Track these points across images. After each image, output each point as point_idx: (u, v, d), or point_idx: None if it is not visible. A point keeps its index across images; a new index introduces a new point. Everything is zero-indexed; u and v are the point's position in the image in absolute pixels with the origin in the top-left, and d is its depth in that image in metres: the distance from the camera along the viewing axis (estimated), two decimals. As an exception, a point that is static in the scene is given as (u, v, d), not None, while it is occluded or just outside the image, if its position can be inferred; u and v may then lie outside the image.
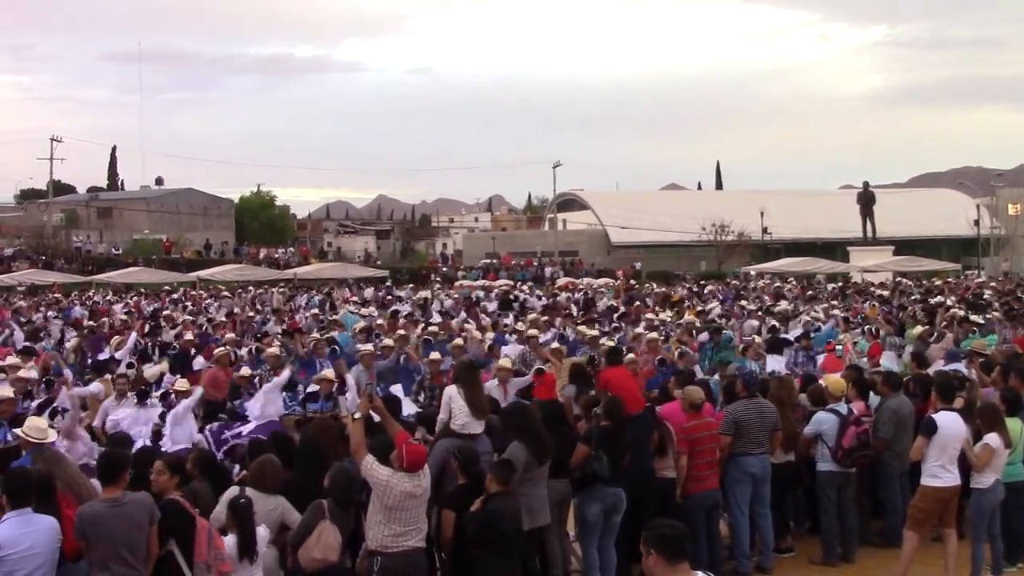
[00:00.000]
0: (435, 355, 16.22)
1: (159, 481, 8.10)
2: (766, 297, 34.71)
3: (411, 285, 52.84)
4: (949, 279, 46.26)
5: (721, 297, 36.68)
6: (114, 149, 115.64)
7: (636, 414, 10.81)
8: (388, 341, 18.26)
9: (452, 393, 10.36)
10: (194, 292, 44.44)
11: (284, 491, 8.56)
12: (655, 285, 47.06)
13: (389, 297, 41.52)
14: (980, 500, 10.47)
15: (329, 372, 15.02)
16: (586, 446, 10.01)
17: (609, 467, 9.87)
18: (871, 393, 12.16)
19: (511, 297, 37.89)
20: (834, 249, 68.30)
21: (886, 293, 34.57)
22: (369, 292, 44.57)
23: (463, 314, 28.42)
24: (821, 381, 12.50)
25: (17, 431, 9.94)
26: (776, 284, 42.77)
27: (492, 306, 34.45)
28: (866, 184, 61.82)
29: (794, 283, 42.85)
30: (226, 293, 41.58)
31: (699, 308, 28.63)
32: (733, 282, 45.52)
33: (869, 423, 11.50)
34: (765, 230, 73.92)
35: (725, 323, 23.62)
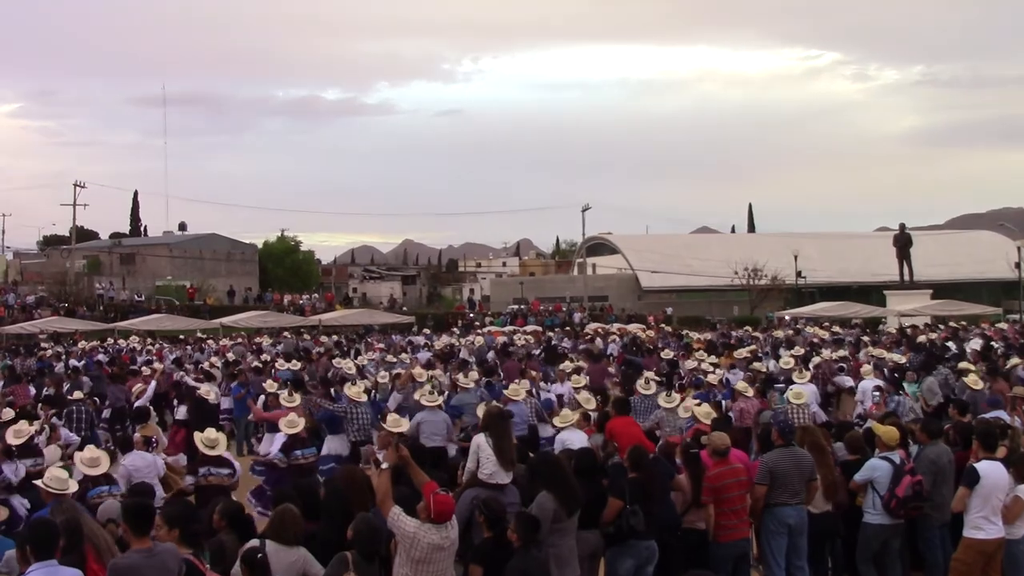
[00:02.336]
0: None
1: (159, 536, 7.92)
2: (815, 340, 34.65)
3: (425, 330, 52.84)
4: (996, 323, 45.90)
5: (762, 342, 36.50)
6: (136, 194, 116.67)
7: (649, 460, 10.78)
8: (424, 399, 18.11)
9: (480, 441, 10.33)
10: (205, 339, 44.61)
11: (308, 542, 8.54)
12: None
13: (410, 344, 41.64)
14: (1013, 552, 10.35)
15: (295, 418, 15.21)
16: (620, 500, 9.96)
17: (644, 520, 9.85)
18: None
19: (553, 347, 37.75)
20: (870, 293, 67.96)
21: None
22: (396, 338, 44.62)
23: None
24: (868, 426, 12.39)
25: (38, 482, 10.01)
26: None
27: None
28: (903, 226, 61.43)
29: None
30: (241, 340, 41.85)
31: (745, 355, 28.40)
32: (782, 330, 45.13)
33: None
34: (799, 274, 73.62)
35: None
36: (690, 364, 25.10)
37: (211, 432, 13.13)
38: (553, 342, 39.02)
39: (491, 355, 32.74)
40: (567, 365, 24.89)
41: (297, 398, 18.11)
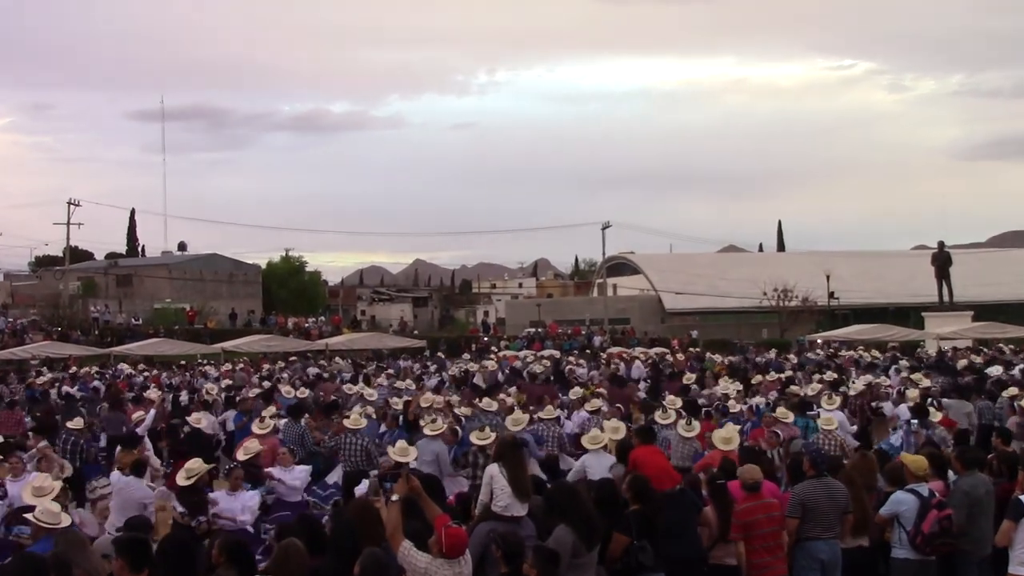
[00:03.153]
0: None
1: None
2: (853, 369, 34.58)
3: (437, 354, 53.09)
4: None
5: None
6: (133, 212, 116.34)
7: (672, 492, 10.75)
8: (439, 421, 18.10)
9: (494, 472, 10.28)
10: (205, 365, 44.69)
11: (314, 579, 8.54)
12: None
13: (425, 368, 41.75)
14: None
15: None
16: (625, 536, 9.94)
17: (654, 556, 9.82)
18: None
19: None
20: (907, 315, 67.67)
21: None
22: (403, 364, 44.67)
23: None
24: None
25: (29, 516, 10.03)
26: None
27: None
28: (942, 244, 61.21)
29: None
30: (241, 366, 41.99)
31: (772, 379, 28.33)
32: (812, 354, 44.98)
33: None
34: (832, 295, 73.45)
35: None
36: (716, 390, 25.05)
37: (193, 463, 13.21)
38: (563, 366, 39.01)
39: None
40: (576, 391, 24.98)
41: (270, 424, 18.37)
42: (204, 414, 22.31)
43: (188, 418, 21.30)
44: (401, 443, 14.66)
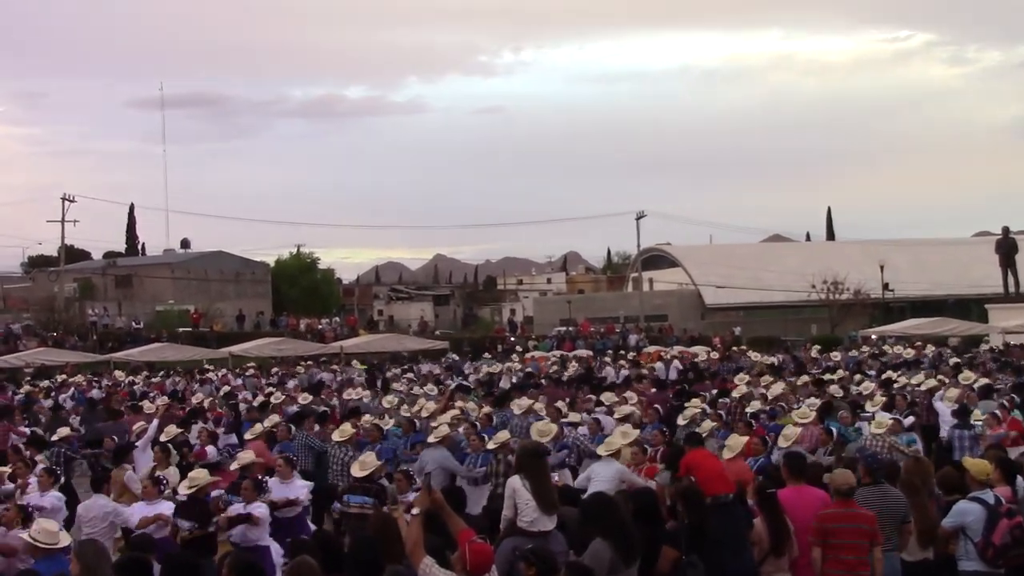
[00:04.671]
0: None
1: None
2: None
3: (449, 355, 53.24)
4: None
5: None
6: (132, 208, 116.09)
7: (724, 500, 10.70)
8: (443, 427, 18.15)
9: (516, 485, 10.24)
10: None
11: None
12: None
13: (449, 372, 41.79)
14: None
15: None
16: (675, 549, 9.89)
17: (704, 571, 9.77)
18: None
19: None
20: (969, 307, 67.29)
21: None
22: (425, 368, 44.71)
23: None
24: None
25: (23, 535, 10.07)
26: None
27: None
28: (1006, 230, 60.81)
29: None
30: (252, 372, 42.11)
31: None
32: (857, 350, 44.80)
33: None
34: (886, 286, 73.18)
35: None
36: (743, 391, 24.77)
37: (197, 473, 13.25)
38: (596, 368, 39.02)
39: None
40: (608, 396, 24.94)
41: (258, 429, 18.49)
42: (203, 424, 22.44)
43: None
44: (365, 456, 14.50)
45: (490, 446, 15.71)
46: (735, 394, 23.99)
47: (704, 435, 16.16)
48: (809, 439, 16.64)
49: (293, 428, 20.10)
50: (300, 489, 15.22)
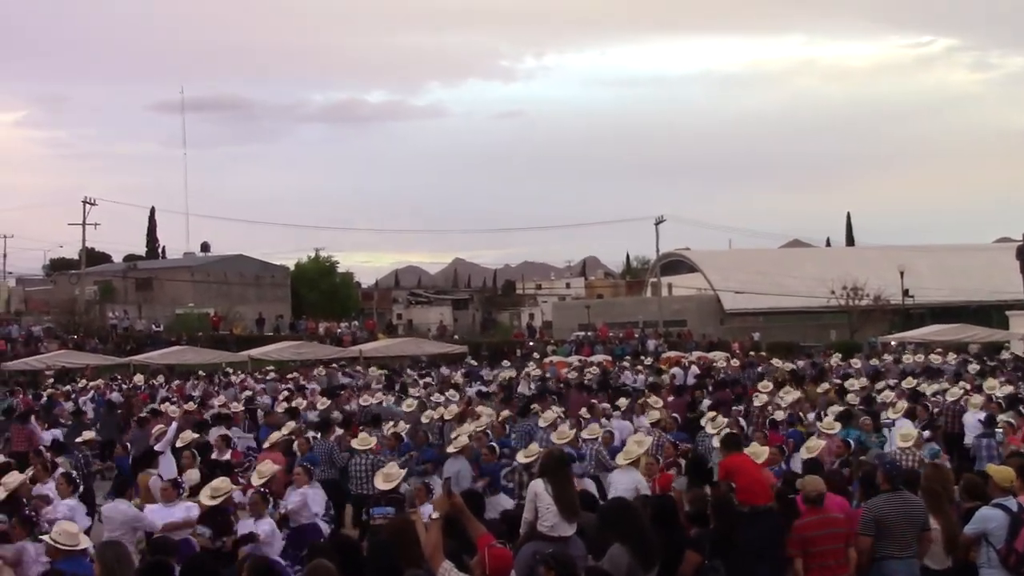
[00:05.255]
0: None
1: None
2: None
3: (467, 360, 53.33)
4: None
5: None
6: (152, 211, 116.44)
7: (762, 509, 10.68)
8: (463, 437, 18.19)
9: (538, 489, 10.24)
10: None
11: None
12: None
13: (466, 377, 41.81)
14: None
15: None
16: (698, 554, 9.88)
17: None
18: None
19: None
20: (990, 314, 66.98)
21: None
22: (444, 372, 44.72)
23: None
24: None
25: (44, 537, 10.12)
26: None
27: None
28: (1028, 236, 60.71)
29: None
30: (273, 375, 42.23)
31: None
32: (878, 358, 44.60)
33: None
34: (906, 292, 72.85)
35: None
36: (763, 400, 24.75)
37: (220, 482, 13.29)
38: (611, 375, 38.99)
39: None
40: (622, 401, 25.00)
41: (275, 436, 18.52)
42: (220, 429, 22.48)
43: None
44: (389, 468, 14.50)
45: (521, 459, 15.68)
46: (757, 403, 23.92)
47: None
48: (828, 451, 16.60)
49: (316, 437, 20.13)
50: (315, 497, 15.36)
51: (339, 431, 20.71)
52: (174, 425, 22.18)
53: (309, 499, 14.95)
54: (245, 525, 13.17)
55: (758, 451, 14.19)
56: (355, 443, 17.92)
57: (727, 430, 17.46)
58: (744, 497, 11.33)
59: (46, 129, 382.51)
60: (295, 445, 19.52)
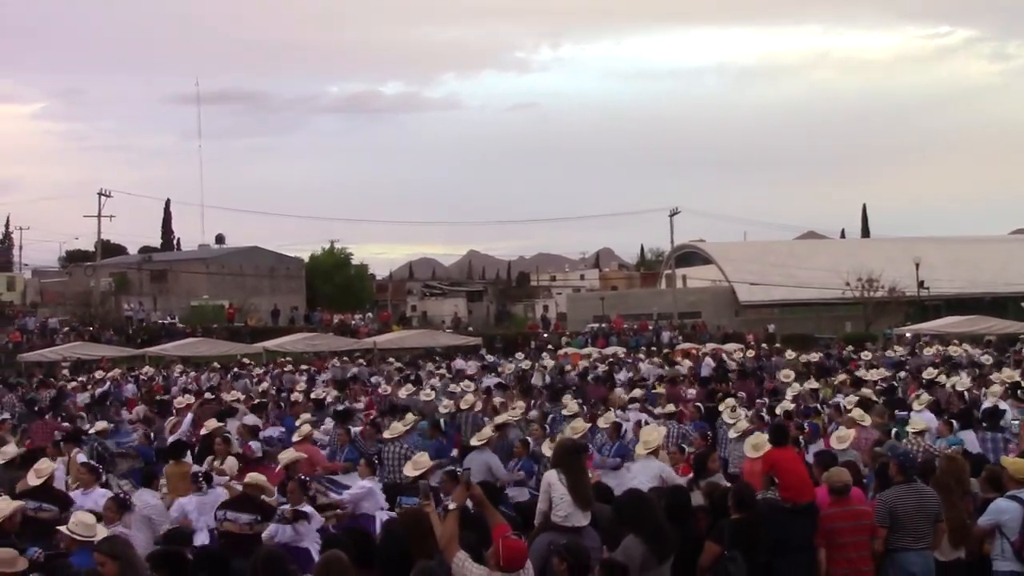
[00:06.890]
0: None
1: None
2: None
3: (480, 352, 53.42)
4: None
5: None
6: (168, 203, 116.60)
7: (803, 506, 10.67)
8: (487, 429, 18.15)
9: (552, 480, 10.23)
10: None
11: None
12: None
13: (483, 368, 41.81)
14: None
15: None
16: (717, 544, 9.86)
17: (746, 569, 9.73)
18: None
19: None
20: (1006, 305, 66.88)
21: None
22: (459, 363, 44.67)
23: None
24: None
25: (62, 528, 10.14)
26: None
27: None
28: (1043, 228, 60.54)
29: None
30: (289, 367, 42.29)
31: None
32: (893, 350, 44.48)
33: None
34: (922, 284, 72.66)
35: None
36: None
37: (257, 477, 13.26)
38: (617, 368, 38.94)
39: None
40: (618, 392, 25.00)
41: (306, 430, 18.47)
42: (236, 420, 22.44)
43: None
44: (420, 456, 14.46)
45: (547, 451, 15.63)
46: (791, 394, 23.93)
47: (737, 435, 16.20)
48: (864, 441, 16.51)
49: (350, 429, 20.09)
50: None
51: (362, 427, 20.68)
52: (188, 416, 22.24)
53: (375, 492, 14.97)
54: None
55: (761, 441, 13.86)
56: (386, 433, 17.94)
57: (744, 422, 17.47)
58: (788, 495, 11.29)
59: (63, 122, 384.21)
60: (336, 437, 19.54)
